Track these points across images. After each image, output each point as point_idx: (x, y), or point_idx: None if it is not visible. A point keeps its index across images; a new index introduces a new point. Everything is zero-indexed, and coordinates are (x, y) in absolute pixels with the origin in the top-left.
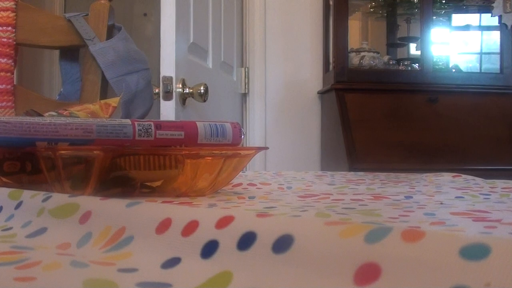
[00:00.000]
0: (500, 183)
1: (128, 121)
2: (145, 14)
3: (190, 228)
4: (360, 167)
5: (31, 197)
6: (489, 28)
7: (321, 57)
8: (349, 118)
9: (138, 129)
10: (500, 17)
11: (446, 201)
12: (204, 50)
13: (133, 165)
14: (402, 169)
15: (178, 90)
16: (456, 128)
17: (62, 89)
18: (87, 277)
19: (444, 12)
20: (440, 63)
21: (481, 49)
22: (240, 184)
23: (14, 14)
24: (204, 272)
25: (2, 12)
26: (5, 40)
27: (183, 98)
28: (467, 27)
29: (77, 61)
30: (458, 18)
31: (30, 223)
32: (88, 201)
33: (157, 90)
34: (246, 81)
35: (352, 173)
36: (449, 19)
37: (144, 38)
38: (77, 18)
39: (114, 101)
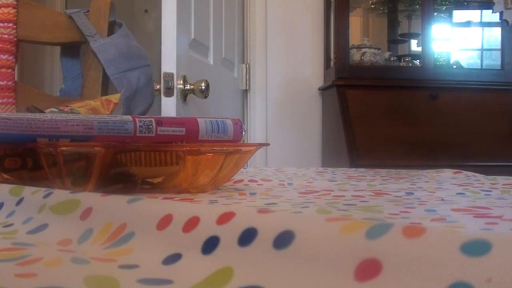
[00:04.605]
0: (501, 180)
1: (129, 117)
2: (146, 11)
3: (191, 224)
4: (361, 163)
5: (32, 194)
6: (490, 24)
7: (322, 54)
8: (350, 114)
9: (139, 126)
10: (501, 14)
11: (447, 198)
12: (205, 46)
13: (134, 161)
14: (403, 165)
15: (179, 86)
16: (457, 125)
17: (63, 86)
18: (88, 273)
19: (445, 9)
20: (441, 60)
21: (482, 46)
22: (241, 180)
23: (15, 10)
24: (205, 268)
25: (3, 9)
26: (6, 36)
27: (184, 95)
28: (468, 24)
29: (78, 58)
30: (459, 15)
31: (31, 219)
32: (89, 198)
33: (158, 87)
34: (247, 78)
35: (353, 169)
36: (450, 15)
37: (145, 35)
38: (78, 14)
39: (115, 98)
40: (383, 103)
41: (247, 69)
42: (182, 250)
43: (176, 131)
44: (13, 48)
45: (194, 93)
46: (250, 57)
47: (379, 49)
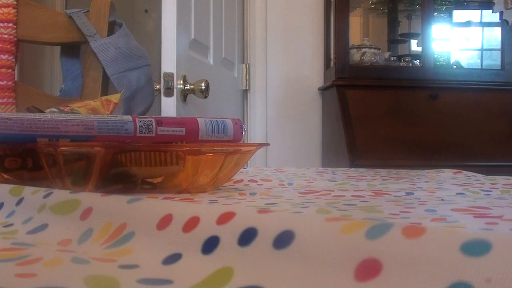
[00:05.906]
0: (501, 179)
1: (129, 117)
2: (146, 11)
3: (191, 224)
4: (361, 163)
5: (32, 194)
6: (490, 24)
7: (322, 54)
8: (350, 114)
9: (139, 126)
10: (501, 14)
11: (447, 198)
12: (205, 46)
13: (134, 161)
14: (403, 165)
15: (179, 86)
16: (457, 125)
17: (63, 86)
18: (88, 273)
19: (445, 9)
20: (441, 60)
21: (482, 46)
22: (241, 180)
23: (15, 10)
24: (205, 268)
25: (3, 9)
26: (6, 36)
27: (184, 95)
28: (468, 24)
29: (78, 58)
30: (459, 15)
31: (31, 219)
32: (89, 198)
33: (158, 87)
34: (247, 78)
35: (353, 169)
36: (450, 15)
37: (145, 35)
38: (78, 14)
39: (115, 98)
40: (383, 103)
41: (247, 69)
42: (182, 250)
43: (176, 131)
44: (13, 48)
45: (194, 93)
46: (250, 57)
47: (379, 49)
